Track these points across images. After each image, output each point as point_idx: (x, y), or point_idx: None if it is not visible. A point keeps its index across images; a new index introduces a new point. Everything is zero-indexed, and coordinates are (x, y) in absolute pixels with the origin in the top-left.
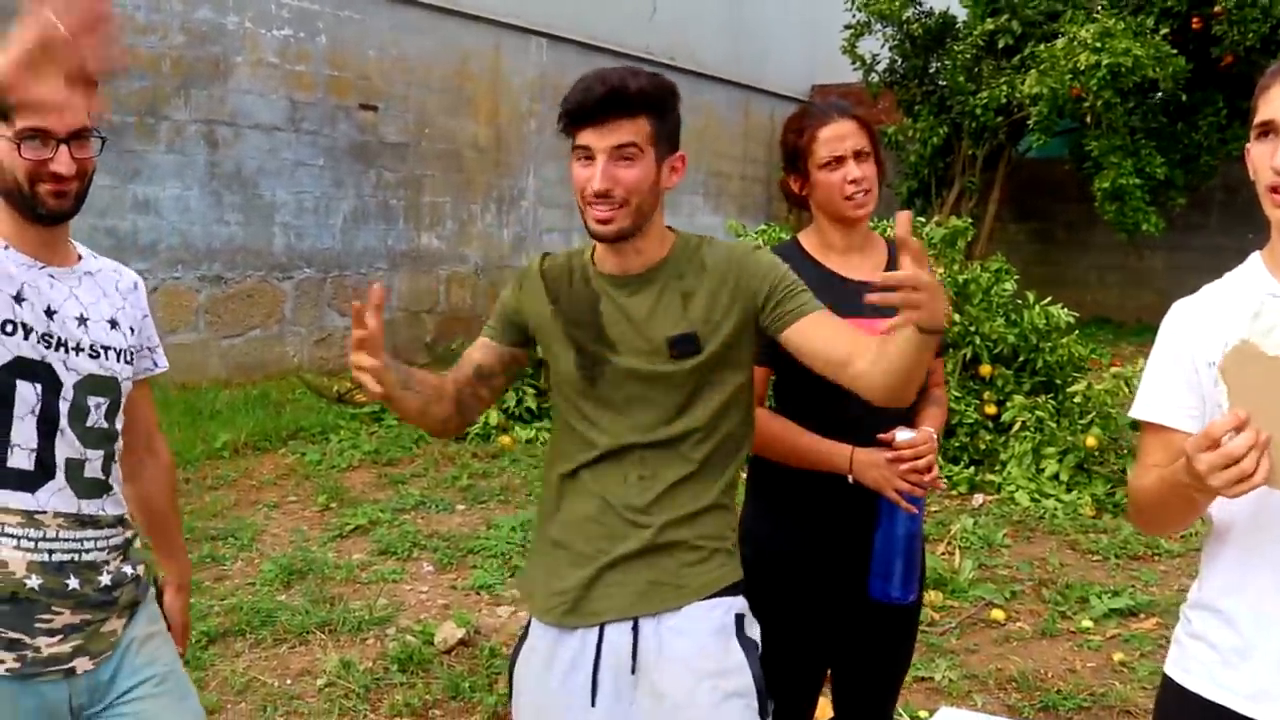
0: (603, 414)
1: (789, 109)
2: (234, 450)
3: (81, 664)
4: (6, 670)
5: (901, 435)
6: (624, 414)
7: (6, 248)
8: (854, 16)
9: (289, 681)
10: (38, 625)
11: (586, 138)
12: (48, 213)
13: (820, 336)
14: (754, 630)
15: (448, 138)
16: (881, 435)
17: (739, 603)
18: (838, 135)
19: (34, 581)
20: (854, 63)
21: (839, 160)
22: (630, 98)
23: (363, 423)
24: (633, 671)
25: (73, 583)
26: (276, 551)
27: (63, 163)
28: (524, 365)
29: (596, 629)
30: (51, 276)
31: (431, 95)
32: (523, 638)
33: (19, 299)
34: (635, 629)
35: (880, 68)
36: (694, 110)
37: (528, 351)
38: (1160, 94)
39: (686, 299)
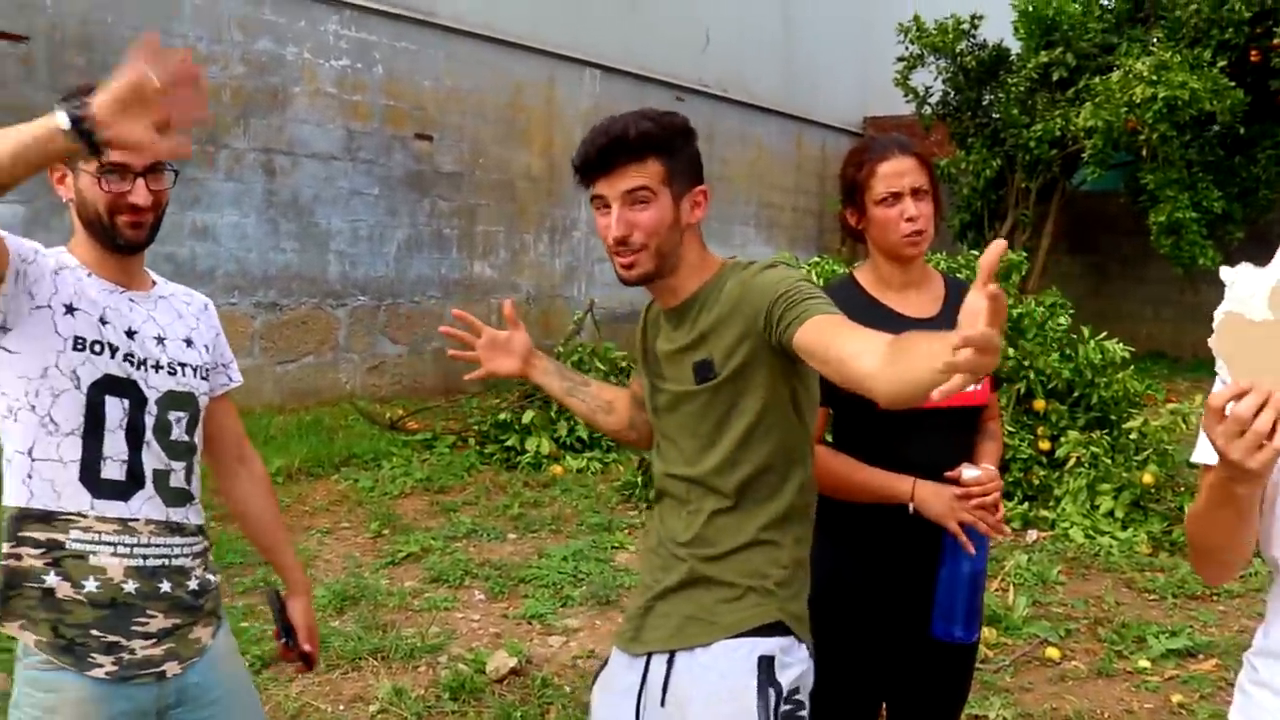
0: (663, 442)
1: (841, 141)
2: (287, 476)
3: (171, 668)
4: (105, 674)
5: (968, 473)
6: (675, 443)
7: (90, 274)
8: (907, 49)
9: (342, 708)
10: (134, 628)
11: (600, 187)
12: (126, 242)
13: (822, 337)
14: (786, 674)
15: (501, 168)
16: (948, 473)
17: (768, 644)
18: (896, 171)
19: (130, 586)
20: (906, 95)
21: (896, 196)
22: (632, 143)
23: (414, 450)
24: (662, 704)
25: (165, 586)
26: (329, 577)
27: (140, 195)
28: None
29: (644, 658)
30: (131, 300)
31: (486, 125)
32: (607, 659)
33: (103, 321)
34: (670, 662)
35: (933, 100)
36: (746, 141)
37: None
38: (1218, 127)
39: (705, 326)
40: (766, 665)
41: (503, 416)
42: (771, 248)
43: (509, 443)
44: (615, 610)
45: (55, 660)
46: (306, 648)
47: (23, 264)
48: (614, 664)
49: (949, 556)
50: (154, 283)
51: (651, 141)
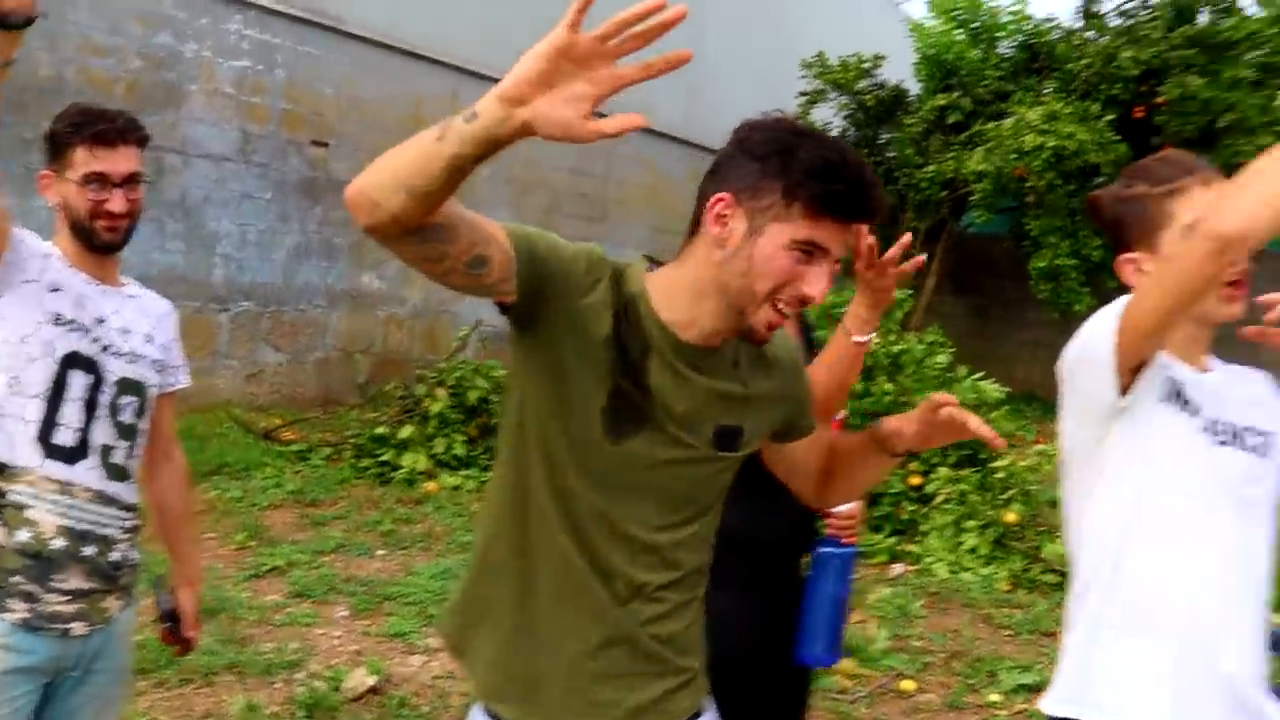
0: (611, 481)
1: None
2: None
3: (77, 628)
4: (19, 620)
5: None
6: (623, 499)
7: (71, 266)
8: (809, 83)
9: None
10: (51, 583)
11: (831, 235)
12: (102, 244)
13: (808, 456)
14: None
15: None
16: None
17: (711, 718)
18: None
19: (57, 544)
20: None
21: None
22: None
23: (288, 461)
24: None
25: (88, 551)
26: None
27: (117, 203)
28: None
29: None
30: (103, 293)
31: (385, 136)
32: None
33: (79, 305)
34: None
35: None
36: (642, 167)
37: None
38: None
39: (746, 392)
40: None
41: (380, 430)
42: None
43: (384, 457)
44: None
45: None
46: (190, 634)
47: (19, 243)
48: None
49: (814, 579)
50: (124, 283)
51: None
